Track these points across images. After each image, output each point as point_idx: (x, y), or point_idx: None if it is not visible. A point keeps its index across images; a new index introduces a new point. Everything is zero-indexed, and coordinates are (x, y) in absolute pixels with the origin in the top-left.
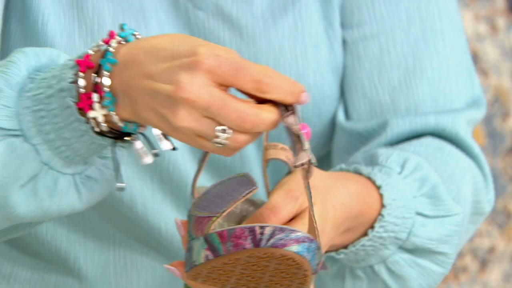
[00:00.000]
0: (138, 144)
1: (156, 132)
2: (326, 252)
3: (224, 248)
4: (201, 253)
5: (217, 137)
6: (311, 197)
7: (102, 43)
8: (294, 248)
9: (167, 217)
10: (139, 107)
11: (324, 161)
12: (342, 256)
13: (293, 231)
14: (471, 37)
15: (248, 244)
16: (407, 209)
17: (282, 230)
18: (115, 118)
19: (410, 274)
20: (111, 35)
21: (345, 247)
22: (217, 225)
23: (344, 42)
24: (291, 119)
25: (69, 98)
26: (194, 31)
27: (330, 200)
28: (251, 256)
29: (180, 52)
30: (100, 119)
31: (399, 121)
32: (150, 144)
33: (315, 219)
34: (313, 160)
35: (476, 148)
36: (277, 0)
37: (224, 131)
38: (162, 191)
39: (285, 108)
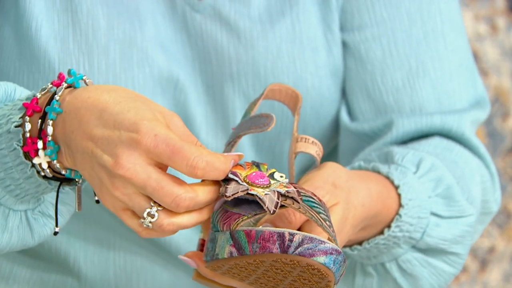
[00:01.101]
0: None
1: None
2: None
3: (250, 248)
4: (226, 248)
5: (144, 218)
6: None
7: (51, 86)
8: (321, 259)
9: None
10: (78, 162)
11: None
12: (355, 252)
13: (322, 242)
14: (471, 37)
15: (275, 248)
16: (422, 209)
17: (311, 240)
18: (57, 166)
19: (422, 274)
20: (61, 78)
21: (360, 243)
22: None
23: (345, 45)
24: (230, 189)
25: (15, 141)
26: (191, 34)
27: (352, 200)
28: (277, 260)
29: (122, 122)
30: (44, 165)
31: (405, 120)
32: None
33: (332, 226)
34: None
35: (482, 148)
36: (275, 3)
37: (151, 215)
38: None
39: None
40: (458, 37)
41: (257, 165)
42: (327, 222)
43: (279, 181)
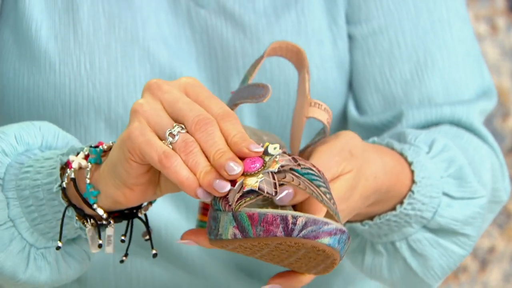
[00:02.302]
0: (90, 232)
1: (109, 232)
2: (351, 222)
3: (254, 231)
4: (229, 229)
5: (173, 127)
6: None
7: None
8: (326, 240)
9: (167, 219)
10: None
11: None
12: (366, 227)
13: (326, 223)
14: None
15: (279, 232)
16: (435, 189)
17: (315, 222)
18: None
19: (432, 254)
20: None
21: (371, 218)
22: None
23: (353, 38)
24: (230, 199)
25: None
26: (196, 30)
27: (364, 170)
28: (281, 243)
29: None
30: (76, 164)
31: (414, 112)
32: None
33: (335, 204)
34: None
35: (491, 137)
36: None
37: (172, 135)
38: None
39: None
40: (464, 27)
41: None
42: (327, 196)
43: (272, 155)
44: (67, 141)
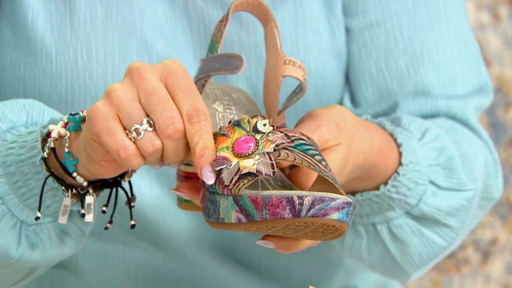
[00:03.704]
0: (67, 201)
1: (89, 201)
2: None
3: (259, 215)
4: (232, 214)
5: (141, 123)
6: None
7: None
8: (335, 216)
9: (165, 211)
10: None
11: None
12: None
13: (332, 199)
14: (473, 26)
15: (286, 214)
16: (421, 175)
17: (322, 199)
18: (66, 144)
19: (412, 241)
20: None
21: (353, 194)
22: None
23: (349, 30)
24: (225, 178)
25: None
26: (193, 20)
27: (355, 145)
28: (289, 224)
29: None
30: (54, 134)
31: (410, 103)
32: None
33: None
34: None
35: (485, 134)
36: None
37: (138, 132)
38: (159, 185)
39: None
40: (461, 22)
41: (238, 124)
42: (323, 163)
43: (264, 132)
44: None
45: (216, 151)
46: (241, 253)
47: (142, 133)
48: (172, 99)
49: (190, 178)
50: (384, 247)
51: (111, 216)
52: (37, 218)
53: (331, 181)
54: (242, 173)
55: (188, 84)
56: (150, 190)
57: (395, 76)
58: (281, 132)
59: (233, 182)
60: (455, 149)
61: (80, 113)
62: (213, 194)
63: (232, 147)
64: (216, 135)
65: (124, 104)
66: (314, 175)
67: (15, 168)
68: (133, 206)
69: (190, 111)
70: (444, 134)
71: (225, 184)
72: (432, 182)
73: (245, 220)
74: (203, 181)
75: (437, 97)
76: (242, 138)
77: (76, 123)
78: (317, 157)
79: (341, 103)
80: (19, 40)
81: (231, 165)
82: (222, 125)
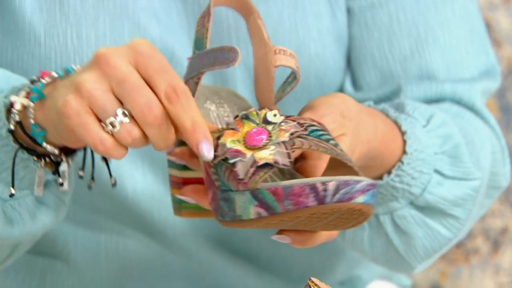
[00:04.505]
0: (41, 171)
1: (63, 168)
2: None
3: (281, 206)
4: (250, 209)
5: (115, 116)
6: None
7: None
8: (361, 199)
9: (160, 201)
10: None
11: None
12: None
13: (357, 182)
14: (483, 5)
15: (311, 202)
16: (426, 164)
17: (346, 183)
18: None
19: (416, 233)
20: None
21: None
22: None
23: (350, 11)
24: (240, 172)
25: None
26: (188, 2)
27: (360, 135)
28: (314, 213)
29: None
30: (17, 106)
31: (414, 87)
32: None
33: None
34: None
35: (493, 120)
36: None
37: (113, 125)
38: (153, 174)
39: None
40: (467, 2)
41: (246, 117)
42: (339, 147)
43: (275, 123)
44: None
45: (226, 144)
46: (240, 244)
47: (118, 126)
48: (146, 82)
49: (188, 184)
50: (387, 239)
51: (92, 175)
52: (11, 195)
53: (350, 164)
54: (258, 164)
55: (160, 63)
56: (144, 178)
57: (398, 59)
58: (293, 121)
59: (249, 175)
60: (461, 136)
61: (41, 79)
62: (226, 192)
63: (244, 140)
64: (223, 130)
65: (95, 97)
66: (322, 167)
67: None
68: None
69: (168, 91)
70: (450, 120)
71: (240, 178)
72: (437, 171)
73: (266, 214)
74: (212, 181)
75: (442, 81)
76: (253, 130)
77: (39, 93)
78: (332, 142)
79: (342, 87)
80: (6, 23)
81: (246, 157)
82: (218, 123)
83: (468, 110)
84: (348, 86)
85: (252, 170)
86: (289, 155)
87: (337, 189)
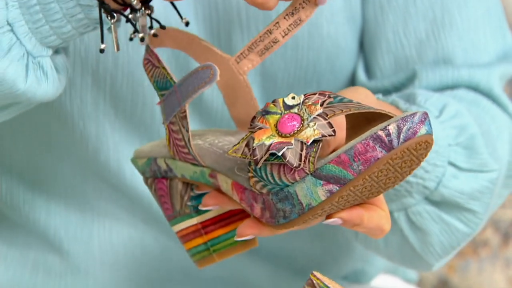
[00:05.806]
0: (143, 20)
1: (143, 22)
2: None
3: (351, 171)
4: (318, 192)
5: None
6: None
7: None
8: (423, 130)
9: None
10: None
11: None
12: None
13: (413, 115)
14: None
15: (379, 153)
16: (440, 156)
17: (404, 120)
18: None
19: (432, 229)
20: None
21: None
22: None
23: None
24: (291, 158)
25: None
26: None
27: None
28: (386, 163)
29: None
30: None
31: (429, 73)
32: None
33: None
34: None
35: (511, 107)
36: None
37: None
38: None
39: None
40: None
41: (266, 112)
42: (363, 103)
43: (297, 104)
44: None
45: (264, 142)
46: None
47: None
48: None
49: (209, 226)
50: (402, 236)
51: (101, 37)
52: (101, 51)
53: (383, 112)
54: (308, 143)
55: None
56: None
57: (413, 43)
58: (314, 94)
59: (303, 158)
60: (477, 126)
61: None
62: (281, 191)
63: (278, 132)
64: (250, 133)
65: None
66: (333, 144)
67: None
68: (156, 35)
69: None
70: (464, 110)
71: (295, 165)
72: (451, 163)
73: (337, 188)
74: (257, 191)
75: (458, 66)
76: (283, 118)
77: None
78: (354, 101)
79: (354, 73)
80: None
81: (291, 144)
82: (216, 149)
83: (485, 97)
84: (361, 73)
85: (304, 153)
86: (330, 125)
87: (399, 129)
